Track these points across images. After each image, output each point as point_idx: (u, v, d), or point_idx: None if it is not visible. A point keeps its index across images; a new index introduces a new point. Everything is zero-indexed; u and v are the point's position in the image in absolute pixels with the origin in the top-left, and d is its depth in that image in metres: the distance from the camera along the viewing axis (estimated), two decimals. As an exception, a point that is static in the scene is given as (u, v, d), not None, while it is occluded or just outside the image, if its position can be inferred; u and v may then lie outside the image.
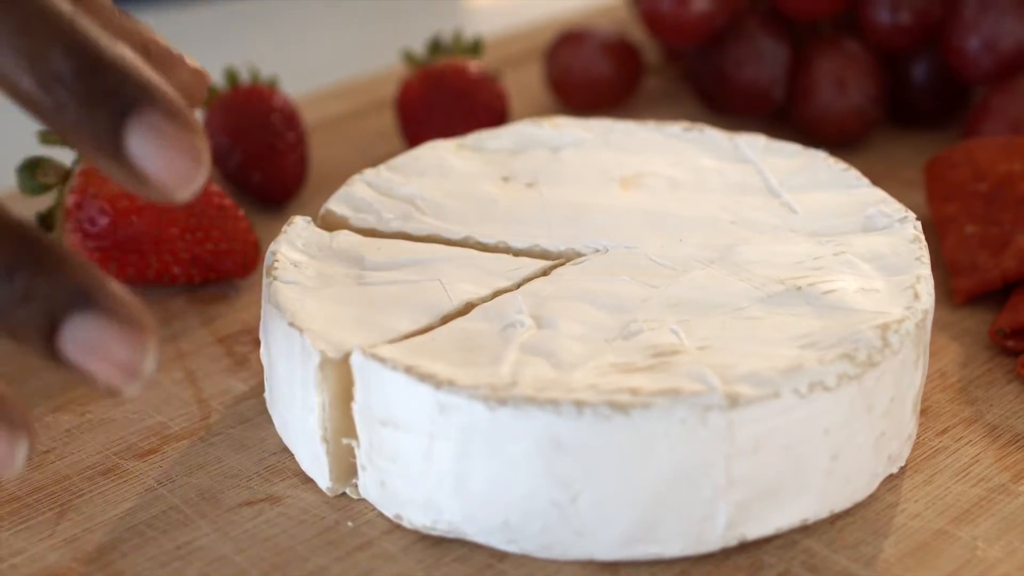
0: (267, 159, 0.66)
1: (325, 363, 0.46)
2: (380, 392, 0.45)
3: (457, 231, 0.54)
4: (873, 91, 0.71)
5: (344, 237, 0.53)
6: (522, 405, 0.43)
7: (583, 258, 0.52)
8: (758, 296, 0.49)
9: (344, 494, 0.48)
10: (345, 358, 0.46)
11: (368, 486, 0.47)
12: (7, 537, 0.47)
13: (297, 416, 0.48)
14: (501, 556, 0.46)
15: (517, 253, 0.53)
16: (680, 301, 0.49)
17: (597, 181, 0.57)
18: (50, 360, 0.39)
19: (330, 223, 0.55)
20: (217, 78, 0.69)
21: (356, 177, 0.57)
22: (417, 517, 0.46)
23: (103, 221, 0.58)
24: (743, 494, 0.45)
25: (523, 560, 0.45)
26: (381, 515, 0.47)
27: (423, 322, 0.48)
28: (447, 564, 0.45)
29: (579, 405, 0.43)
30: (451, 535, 0.46)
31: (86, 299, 0.38)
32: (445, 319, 0.48)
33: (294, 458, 0.50)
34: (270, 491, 0.49)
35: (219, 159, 0.67)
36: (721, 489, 0.44)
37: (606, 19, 0.86)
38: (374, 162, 0.59)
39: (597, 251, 0.53)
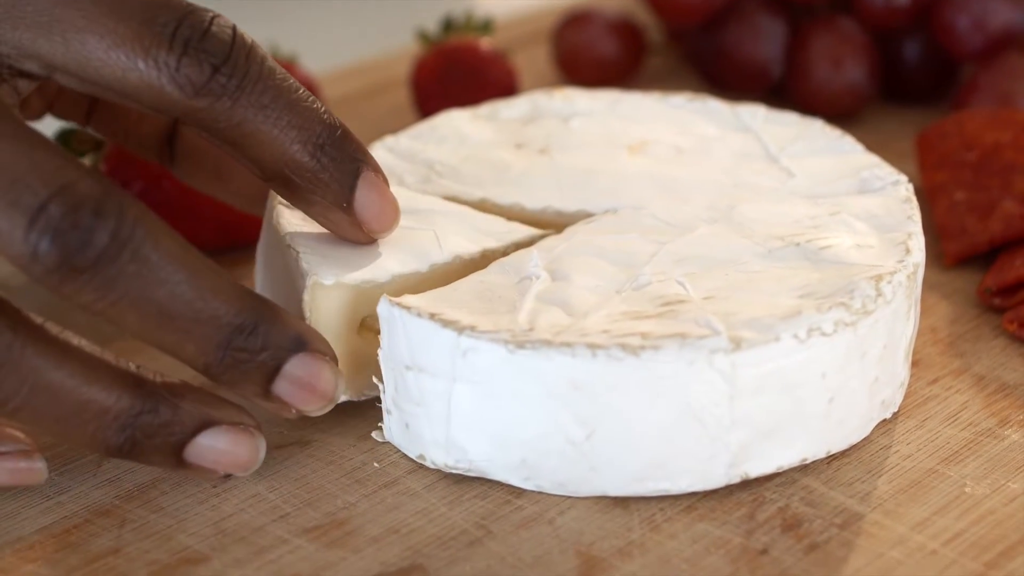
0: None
1: (315, 286, 0.49)
2: (405, 338, 0.48)
3: (474, 193, 0.57)
4: (867, 68, 0.74)
5: None
6: (540, 348, 0.46)
7: (594, 217, 0.55)
8: (759, 252, 0.52)
9: (369, 437, 0.51)
10: (336, 285, 0.50)
11: (392, 429, 0.50)
12: (53, 477, 0.49)
13: None
14: (518, 492, 0.49)
15: (532, 214, 0.56)
16: (685, 256, 0.52)
17: (606, 148, 0.60)
18: (259, 399, 0.47)
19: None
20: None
21: (377, 143, 0.60)
22: (439, 457, 0.49)
23: (136, 187, 0.61)
24: (746, 433, 0.47)
25: (539, 496, 0.48)
26: (405, 456, 0.50)
27: (412, 267, 0.51)
28: (468, 500, 0.48)
29: (593, 348, 0.46)
30: (471, 473, 0.49)
31: (304, 343, 0.47)
32: (433, 268, 0.51)
33: (321, 405, 0.53)
34: (299, 436, 0.52)
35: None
36: (725, 428, 0.47)
37: (610, 0, 0.89)
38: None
39: (607, 212, 0.55)
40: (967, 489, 0.49)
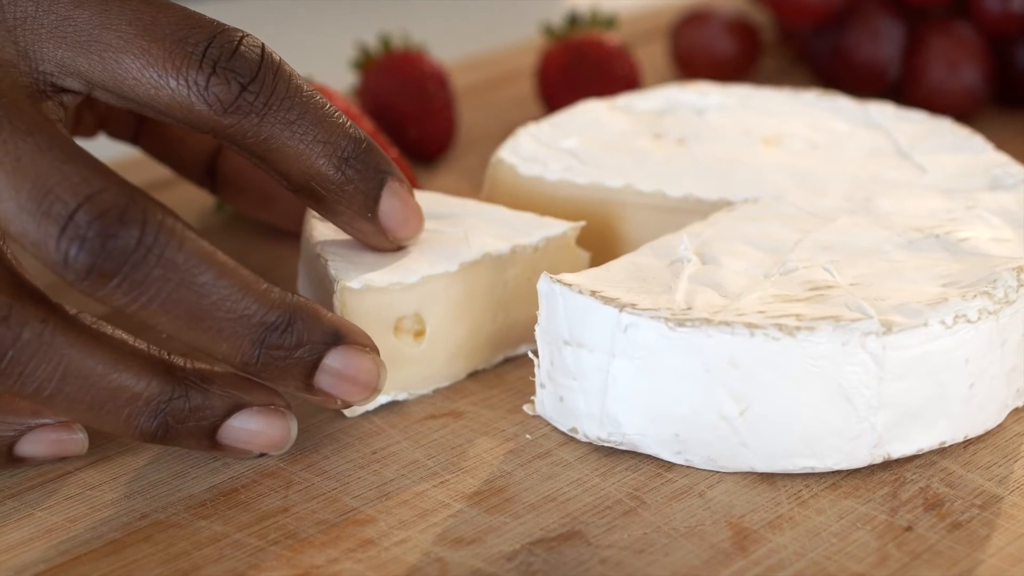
0: (421, 118, 0.71)
1: (344, 290, 0.51)
2: (565, 315, 0.50)
3: (616, 180, 0.59)
4: (982, 72, 0.76)
5: None
6: (700, 326, 0.48)
7: (735, 206, 0.57)
8: (899, 242, 0.54)
9: (520, 410, 0.53)
10: (364, 288, 0.51)
11: (545, 402, 0.52)
12: (220, 439, 0.52)
13: None
14: (668, 466, 0.50)
15: (673, 201, 0.58)
16: (829, 245, 0.54)
17: (742, 140, 0.62)
18: (303, 392, 0.49)
19: (499, 171, 0.60)
20: (372, 42, 0.74)
21: (521, 130, 0.62)
22: (592, 430, 0.51)
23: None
24: (891, 415, 0.49)
25: (688, 470, 0.50)
26: (555, 429, 0.52)
27: (441, 267, 0.53)
28: (620, 472, 0.50)
29: (751, 327, 0.48)
30: (623, 447, 0.51)
31: (341, 336, 0.48)
32: (463, 266, 0.53)
33: (472, 381, 0.55)
34: (451, 407, 0.54)
35: (376, 117, 0.72)
36: (873, 409, 0.49)
37: (726, 0, 0.91)
38: (512, 127, 0.64)
39: (747, 201, 0.57)
40: (1101, 476, 0.51)
